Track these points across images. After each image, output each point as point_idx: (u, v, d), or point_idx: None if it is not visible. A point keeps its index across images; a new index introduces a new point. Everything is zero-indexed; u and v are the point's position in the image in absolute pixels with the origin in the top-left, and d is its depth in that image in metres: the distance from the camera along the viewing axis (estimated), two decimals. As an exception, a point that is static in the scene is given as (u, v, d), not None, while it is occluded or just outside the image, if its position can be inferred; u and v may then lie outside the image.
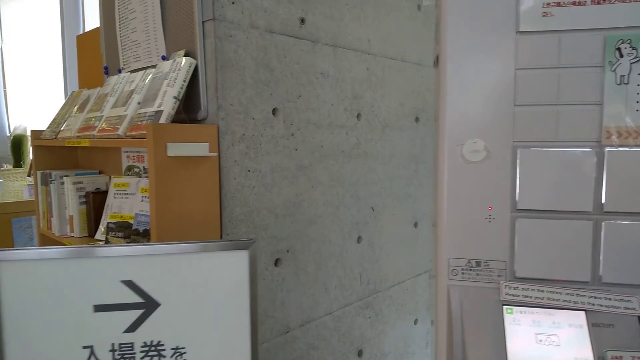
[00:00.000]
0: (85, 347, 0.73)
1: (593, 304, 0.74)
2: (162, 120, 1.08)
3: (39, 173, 1.61)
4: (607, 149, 0.76)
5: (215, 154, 1.13)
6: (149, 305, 0.74)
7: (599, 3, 0.76)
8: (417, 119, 1.78)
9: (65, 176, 1.48)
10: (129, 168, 1.43)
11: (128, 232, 1.21)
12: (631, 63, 0.75)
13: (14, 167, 3.04)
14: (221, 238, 1.15)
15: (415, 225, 1.81)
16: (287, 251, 1.31)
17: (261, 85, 1.22)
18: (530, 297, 0.77)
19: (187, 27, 1.18)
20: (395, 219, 1.71)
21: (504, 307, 0.77)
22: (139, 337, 0.74)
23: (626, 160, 0.75)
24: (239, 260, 0.77)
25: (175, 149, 1.04)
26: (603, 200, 0.76)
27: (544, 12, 0.78)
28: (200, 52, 1.14)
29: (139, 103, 1.21)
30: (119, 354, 0.74)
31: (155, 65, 1.28)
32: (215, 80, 1.12)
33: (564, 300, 0.76)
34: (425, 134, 1.82)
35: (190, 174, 1.08)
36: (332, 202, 1.44)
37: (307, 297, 1.38)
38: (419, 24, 1.75)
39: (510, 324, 0.75)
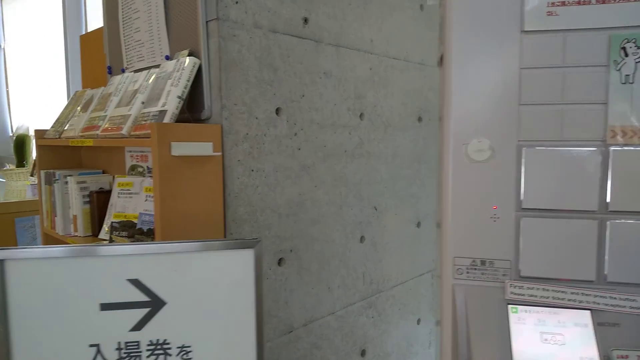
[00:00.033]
0: (91, 345, 0.73)
1: (598, 303, 0.74)
2: (166, 119, 1.09)
3: (42, 172, 1.62)
4: (612, 148, 0.76)
5: (219, 154, 1.13)
6: (155, 303, 0.74)
7: (603, 2, 0.76)
8: (419, 119, 1.78)
9: (69, 176, 1.49)
10: (133, 167, 1.44)
11: (132, 232, 1.21)
12: (636, 62, 0.75)
13: (16, 166, 3.05)
14: (225, 238, 1.15)
15: (418, 225, 1.81)
16: (291, 251, 1.32)
17: (264, 84, 1.22)
18: (535, 296, 0.77)
19: (190, 27, 1.18)
20: (398, 218, 1.71)
21: (509, 306, 0.77)
22: (145, 336, 0.75)
23: (631, 160, 0.75)
24: (244, 259, 0.77)
25: (180, 149, 1.04)
26: (608, 200, 0.76)
27: (548, 12, 0.78)
28: (204, 51, 1.15)
29: (142, 103, 1.22)
30: (125, 353, 0.74)
31: (159, 65, 1.28)
32: (219, 80, 1.13)
33: (569, 300, 0.76)
34: (428, 133, 1.82)
35: (194, 174, 1.09)
36: (335, 202, 1.45)
37: (310, 296, 1.38)
38: (421, 24, 1.75)
39: (516, 323, 0.75)
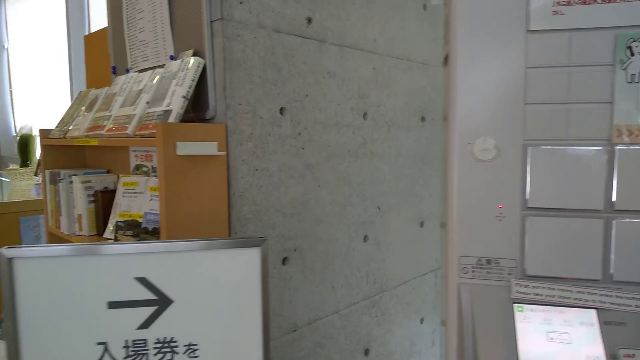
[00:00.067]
0: (99, 343, 0.74)
1: (604, 302, 0.74)
2: (171, 119, 1.09)
3: (47, 172, 1.62)
4: (617, 147, 0.76)
5: (224, 153, 1.13)
6: (162, 302, 0.75)
7: (609, 2, 0.76)
8: (422, 119, 1.78)
9: (74, 175, 1.49)
10: (137, 167, 1.44)
11: (137, 231, 1.21)
12: (642, 61, 0.75)
13: (21, 166, 3.06)
14: (230, 237, 1.16)
15: (422, 224, 1.81)
16: (295, 250, 1.32)
17: (269, 84, 1.22)
18: (541, 295, 0.77)
19: (195, 26, 1.19)
20: (402, 218, 1.71)
21: (515, 305, 0.77)
22: (152, 334, 0.75)
23: (637, 159, 0.75)
24: (250, 258, 0.78)
25: (185, 148, 1.05)
26: (614, 199, 0.76)
27: (554, 11, 0.78)
28: (209, 51, 1.15)
29: (147, 102, 1.22)
30: (132, 351, 0.75)
31: (164, 65, 1.29)
32: (224, 80, 1.13)
33: (574, 298, 0.76)
34: (431, 133, 1.82)
35: (199, 173, 1.09)
36: (339, 201, 1.45)
37: (314, 295, 1.38)
38: (424, 24, 1.75)
39: (521, 322, 0.76)
